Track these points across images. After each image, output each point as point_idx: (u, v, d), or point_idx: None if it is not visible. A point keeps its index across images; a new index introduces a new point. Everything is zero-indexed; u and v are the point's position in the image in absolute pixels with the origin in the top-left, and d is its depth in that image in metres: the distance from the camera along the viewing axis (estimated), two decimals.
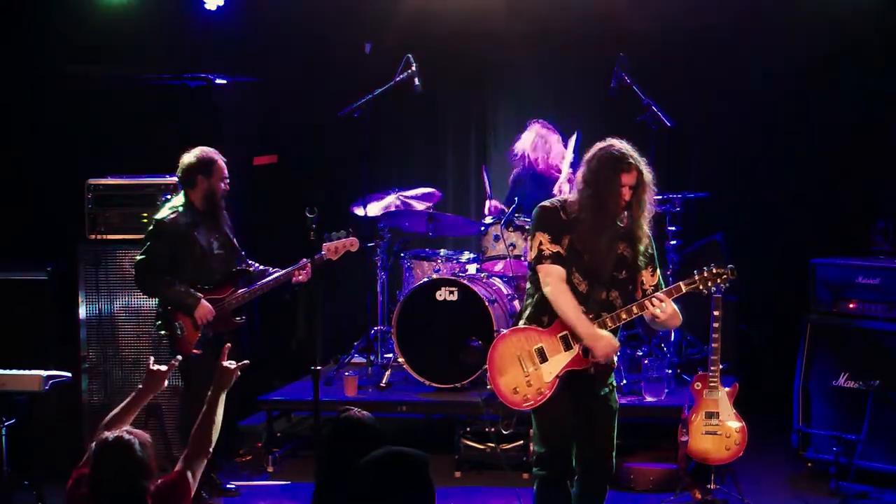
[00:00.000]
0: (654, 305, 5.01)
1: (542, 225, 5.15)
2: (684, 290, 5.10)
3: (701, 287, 5.12)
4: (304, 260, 6.67)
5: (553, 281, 5.07)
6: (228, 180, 6.68)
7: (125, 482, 4.17)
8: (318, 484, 4.26)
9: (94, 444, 4.24)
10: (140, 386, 4.70)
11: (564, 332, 5.08)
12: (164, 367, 4.74)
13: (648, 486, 6.78)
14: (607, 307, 5.09)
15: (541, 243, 5.11)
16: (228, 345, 4.85)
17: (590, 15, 8.46)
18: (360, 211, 7.82)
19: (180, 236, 6.53)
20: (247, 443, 7.71)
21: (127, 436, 4.20)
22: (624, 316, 5.05)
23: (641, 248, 5.14)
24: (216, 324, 6.55)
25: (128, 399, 4.66)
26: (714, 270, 5.09)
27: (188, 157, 6.60)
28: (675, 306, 5.07)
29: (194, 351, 6.50)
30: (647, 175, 5.07)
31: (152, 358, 4.86)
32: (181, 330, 6.52)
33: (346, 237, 6.76)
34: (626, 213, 5.09)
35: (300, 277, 6.69)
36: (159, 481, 4.35)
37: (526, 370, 5.13)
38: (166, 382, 4.77)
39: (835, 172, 8.32)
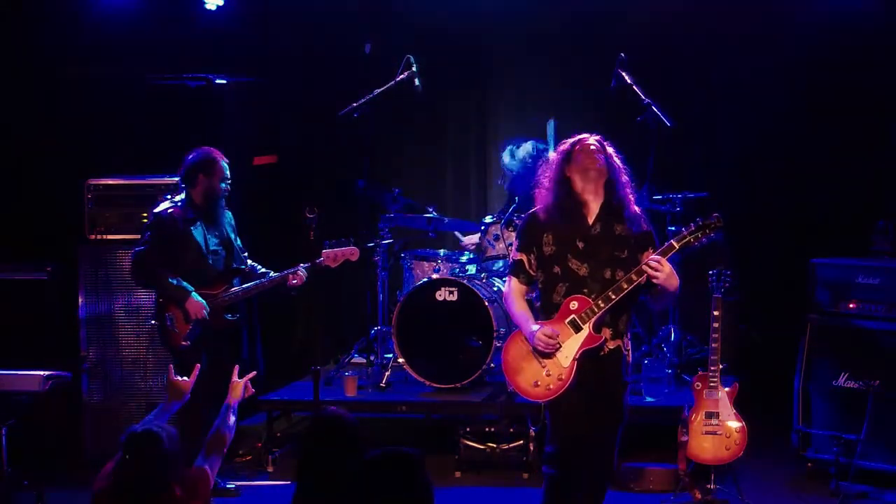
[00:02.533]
0: (651, 268, 5.04)
1: (517, 233, 5.46)
2: (677, 247, 5.14)
3: (692, 240, 5.16)
4: (300, 265, 6.68)
5: (506, 290, 5.43)
6: (230, 181, 6.70)
7: (152, 473, 4.26)
8: (298, 483, 4.27)
9: (123, 435, 4.33)
10: (163, 402, 4.97)
11: (572, 316, 5.13)
12: (186, 378, 4.94)
13: (648, 486, 6.78)
14: (613, 286, 5.14)
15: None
16: (237, 367, 5.17)
17: (590, 14, 8.46)
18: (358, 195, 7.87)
19: (176, 231, 6.57)
20: (247, 443, 7.71)
21: (156, 428, 4.31)
22: (625, 286, 5.09)
23: (637, 223, 5.21)
24: (209, 320, 6.55)
25: (154, 412, 4.80)
26: (702, 223, 5.15)
27: (190, 156, 6.64)
28: (671, 266, 5.10)
29: (183, 343, 6.52)
30: (611, 147, 5.27)
31: (171, 367, 5.09)
32: (171, 322, 6.54)
33: (347, 246, 6.74)
34: (609, 189, 5.20)
35: (294, 281, 6.69)
36: (183, 476, 4.45)
37: (542, 362, 5.19)
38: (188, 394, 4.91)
39: (835, 172, 8.32)
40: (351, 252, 6.77)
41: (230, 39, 8.39)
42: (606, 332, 5.17)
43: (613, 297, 5.09)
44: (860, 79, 8.23)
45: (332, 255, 6.72)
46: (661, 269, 5.03)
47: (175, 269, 6.54)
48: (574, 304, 5.13)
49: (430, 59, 8.04)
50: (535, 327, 5.18)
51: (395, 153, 9.16)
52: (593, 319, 5.11)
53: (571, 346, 5.14)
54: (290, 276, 6.67)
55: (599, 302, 5.10)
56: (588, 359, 5.14)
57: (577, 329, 5.13)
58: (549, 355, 5.15)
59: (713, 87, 8.52)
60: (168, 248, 6.55)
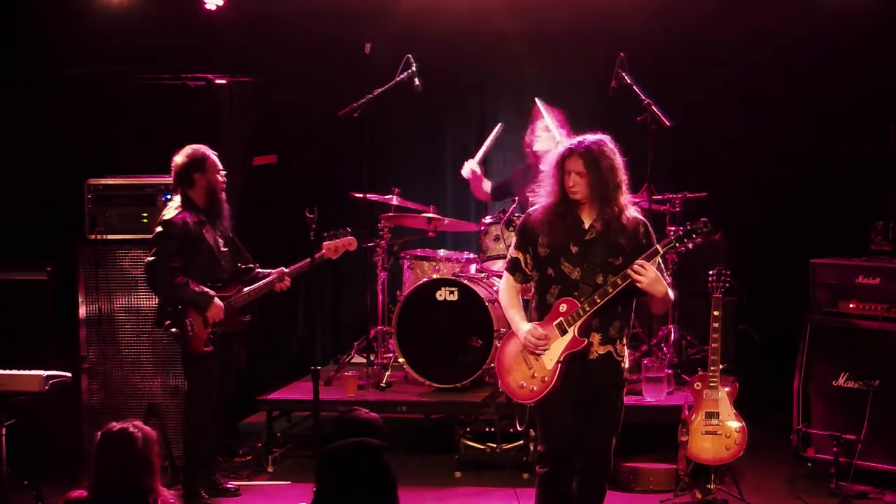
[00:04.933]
0: (635, 273, 5.02)
1: (515, 230, 5.47)
2: (661, 251, 5.10)
3: (677, 245, 5.15)
4: (283, 269, 6.67)
5: (500, 286, 5.47)
6: (224, 172, 6.69)
7: (125, 474, 4.19)
8: (320, 486, 4.26)
9: (98, 433, 4.28)
10: None
11: (559, 320, 5.13)
12: None
13: (648, 486, 6.78)
14: (599, 290, 5.14)
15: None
16: None
17: (590, 15, 8.46)
18: (359, 194, 7.85)
19: (189, 235, 6.53)
20: (247, 443, 7.71)
21: (132, 429, 4.24)
22: (610, 290, 5.07)
23: (634, 231, 5.16)
24: (225, 322, 6.55)
25: None
26: (688, 227, 5.12)
27: (179, 159, 6.60)
28: (657, 272, 5.06)
29: (204, 349, 6.51)
30: (603, 155, 5.13)
31: None
32: (192, 328, 6.51)
33: (345, 237, 6.78)
34: (600, 200, 5.14)
35: (282, 285, 6.71)
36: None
37: (529, 364, 5.20)
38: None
39: (835, 172, 8.33)
40: (349, 242, 6.81)
41: (230, 39, 8.39)
42: (595, 338, 5.15)
43: (598, 300, 5.08)
44: (861, 78, 8.24)
45: (332, 247, 6.74)
46: (644, 274, 5.00)
47: (190, 273, 6.52)
48: (563, 307, 5.14)
49: (430, 58, 8.04)
50: (527, 326, 5.20)
51: (395, 153, 9.16)
52: (578, 323, 5.11)
53: (556, 349, 5.14)
54: (276, 283, 6.69)
55: (585, 306, 5.10)
56: (575, 363, 5.14)
57: (563, 332, 5.14)
58: (536, 357, 5.17)
59: (712, 86, 8.52)
60: (182, 253, 6.52)
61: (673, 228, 7.55)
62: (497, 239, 7.73)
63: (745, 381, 6.67)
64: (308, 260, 6.47)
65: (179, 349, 6.67)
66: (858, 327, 6.89)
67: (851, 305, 6.96)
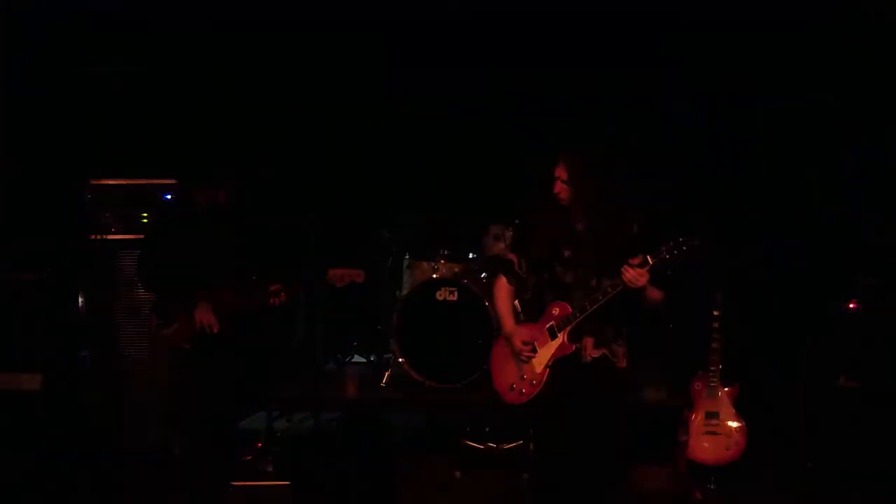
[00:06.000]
0: (628, 282, 5.01)
1: (513, 232, 5.35)
2: (651, 264, 5.05)
3: (668, 258, 5.06)
4: (280, 284, 6.67)
5: (495, 287, 5.47)
6: (230, 176, 6.68)
7: None
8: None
9: None
10: None
11: (550, 323, 5.15)
12: None
13: (648, 487, 6.78)
14: (591, 296, 5.14)
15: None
16: None
17: (590, 15, 8.46)
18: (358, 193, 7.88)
19: (186, 235, 6.52)
20: (247, 443, 7.71)
21: None
22: (600, 297, 5.09)
23: (625, 231, 5.17)
24: (213, 325, 6.52)
25: None
26: (679, 240, 5.08)
27: (190, 159, 6.59)
28: (646, 281, 5.03)
29: (184, 346, 6.50)
30: (587, 164, 5.15)
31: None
32: (176, 324, 6.50)
33: (354, 269, 6.78)
34: (585, 204, 5.16)
35: (275, 300, 6.70)
36: None
37: (520, 365, 5.24)
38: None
39: (834, 172, 8.33)
40: (357, 273, 6.79)
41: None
42: (589, 341, 5.17)
43: (589, 307, 5.10)
44: (860, 79, 8.25)
45: (339, 275, 6.73)
46: (635, 284, 5.01)
47: (186, 274, 6.51)
48: (555, 311, 5.17)
49: (429, 59, 8.05)
50: (514, 330, 5.23)
51: (394, 152, 9.15)
52: (568, 328, 5.13)
53: (545, 353, 5.17)
54: (271, 298, 6.68)
55: (576, 312, 5.11)
56: (568, 367, 5.16)
57: (553, 336, 5.15)
58: (526, 360, 5.17)
59: (712, 88, 8.53)
60: (176, 250, 6.51)
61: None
62: (497, 238, 7.74)
63: (746, 381, 6.67)
64: (308, 280, 6.46)
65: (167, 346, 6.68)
66: (858, 327, 6.89)
67: (851, 305, 6.97)
